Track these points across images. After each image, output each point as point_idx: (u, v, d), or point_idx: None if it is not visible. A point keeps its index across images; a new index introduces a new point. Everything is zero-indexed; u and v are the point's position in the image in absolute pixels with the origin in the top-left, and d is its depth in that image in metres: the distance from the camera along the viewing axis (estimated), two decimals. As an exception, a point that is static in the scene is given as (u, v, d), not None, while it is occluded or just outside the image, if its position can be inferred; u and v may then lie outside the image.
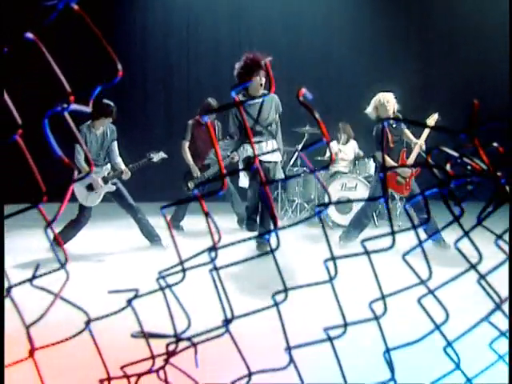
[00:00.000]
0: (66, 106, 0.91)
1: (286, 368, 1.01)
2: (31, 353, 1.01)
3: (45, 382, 1.02)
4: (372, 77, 9.22)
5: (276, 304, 0.99)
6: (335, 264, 0.98)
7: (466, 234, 0.94)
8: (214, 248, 0.97)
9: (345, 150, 8.19)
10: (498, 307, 0.96)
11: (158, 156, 5.92)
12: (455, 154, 0.97)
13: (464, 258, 0.95)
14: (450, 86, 9.59)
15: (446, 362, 0.97)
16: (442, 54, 9.92)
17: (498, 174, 0.95)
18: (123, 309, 1.02)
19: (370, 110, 5.47)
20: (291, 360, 1.02)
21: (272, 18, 9.72)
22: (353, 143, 8.24)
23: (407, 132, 5.73)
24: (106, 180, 5.58)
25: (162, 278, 0.99)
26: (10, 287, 1.01)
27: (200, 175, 6.63)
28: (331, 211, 7.62)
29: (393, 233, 0.93)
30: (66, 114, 0.93)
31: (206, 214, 0.98)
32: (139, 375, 1.01)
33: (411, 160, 5.70)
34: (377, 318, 0.97)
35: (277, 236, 0.99)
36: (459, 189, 0.96)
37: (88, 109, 0.96)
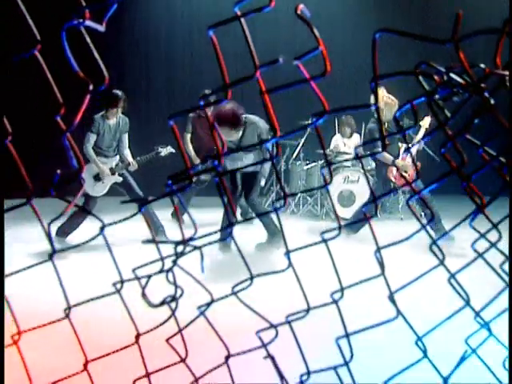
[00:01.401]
0: (81, 20, 1.00)
1: (286, 270, 1.09)
2: (51, 256, 1.09)
3: (62, 282, 1.10)
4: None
5: (276, 209, 1.07)
6: (330, 179, 1.06)
7: (453, 138, 1.01)
8: (217, 155, 1.05)
9: (348, 143, 8.26)
10: (479, 210, 1.03)
11: (165, 150, 6.00)
12: (442, 69, 1.05)
13: (449, 164, 1.03)
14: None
15: (433, 260, 1.05)
16: (445, 50, 9.98)
17: (482, 85, 1.02)
18: (134, 214, 1.09)
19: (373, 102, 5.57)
20: (290, 264, 1.10)
21: (275, 15, 9.81)
22: (356, 137, 8.31)
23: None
24: (113, 171, 5.67)
25: (169, 185, 1.07)
26: (29, 199, 1.09)
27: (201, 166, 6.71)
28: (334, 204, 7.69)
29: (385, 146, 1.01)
30: (83, 29, 1.01)
31: (212, 127, 1.06)
32: (149, 276, 1.09)
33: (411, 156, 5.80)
34: (368, 220, 1.05)
35: (275, 149, 1.07)
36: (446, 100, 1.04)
37: (102, 27, 1.04)
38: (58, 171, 1.07)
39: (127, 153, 5.79)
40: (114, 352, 1.16)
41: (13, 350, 1.16)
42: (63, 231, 5.57)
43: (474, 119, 1.03)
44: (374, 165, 7.85)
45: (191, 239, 1.08)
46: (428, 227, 5.30)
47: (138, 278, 1.11)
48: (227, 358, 1.15)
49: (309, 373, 1.11)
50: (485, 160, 1.06)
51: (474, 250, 1.06)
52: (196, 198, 7.20)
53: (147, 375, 1.16)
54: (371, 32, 1.02)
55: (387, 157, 5.80)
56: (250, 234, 5.63)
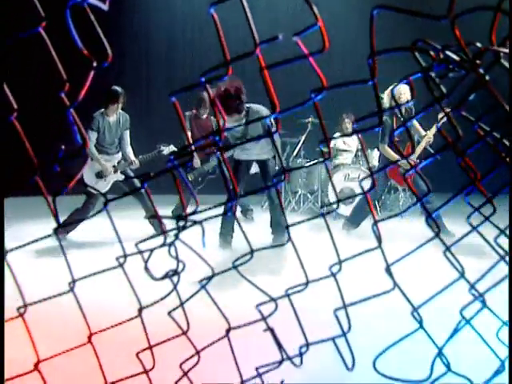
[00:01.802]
0: (86, -3, 1.02)
1: (286, 244, 1.12)
2: (57, 228, 1.12)
3: (67, 255, 1.12)
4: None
5: (275, 184, 1.10)
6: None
7: (447, 114, 1.04)
8: (219, 130, 1.07)
9: (348, 141, 8.28)
10: (473, 183, 1.06)
11: (168, 149, 5.99)
12: (438, 46, 1.07)
13: (445, 139, 1.05)
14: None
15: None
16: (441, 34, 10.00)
17: (478, 62, 1.05)
18: (138, 189, 1.12)
19: (384, 98, 5.60)
20: (289, 238, 1.13)
21: (276, 10, 9.83)
22: (356, 136, 8.33)
23: (416, 125, 5.86)
24: (115, 169, 5.68)
25: (171, 160, 1.10)
26: (35, 174, 1.11)
27: (199, 167, 6.73)
28: (334, 202, 7.72)
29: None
30: (86, 6, 1.04)
31: (213, 101, 1.08)
32: (152, 250, 1.11)
33: (417, 152, 5.81)
34: (365, 192, 1.07)
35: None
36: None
37: (105, 6, 1.07)
38: (63, 147, 1.10)
39: (129, 150, 5.80)
40: (117, 325, 1.19)
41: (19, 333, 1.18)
42: (64, 229, 5.59)
43: (469, 95, 1.05)
44: (374, 162, 7.88)
45: (193, 213, 1.10)
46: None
47: (140, 252, 1.13)
48: (228, 331, 1.17)
49: (308, 344, 1.13)
50: (479, 136, 1.08)
51: (468, 223, 1.08)
52: (198, 195, 7.23)
53: (150, 348, 1.19)
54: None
55: (388, 150, 5.79)
56: (251, 231, 5.65)
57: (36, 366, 1.18)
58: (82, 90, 1.06)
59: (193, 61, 10.13)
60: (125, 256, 1.15)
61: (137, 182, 5.74)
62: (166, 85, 10.13)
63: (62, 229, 5.58)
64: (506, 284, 1.12)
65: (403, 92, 5.52)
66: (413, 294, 1.09)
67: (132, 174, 5.79)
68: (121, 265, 1.15)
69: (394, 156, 5.72)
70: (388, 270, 1.08)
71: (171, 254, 1.12)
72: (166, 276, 1.13)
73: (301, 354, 1.14)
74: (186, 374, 1.19)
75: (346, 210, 7.47)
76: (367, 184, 6.85)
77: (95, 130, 5.53)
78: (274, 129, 5.16)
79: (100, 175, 5.67)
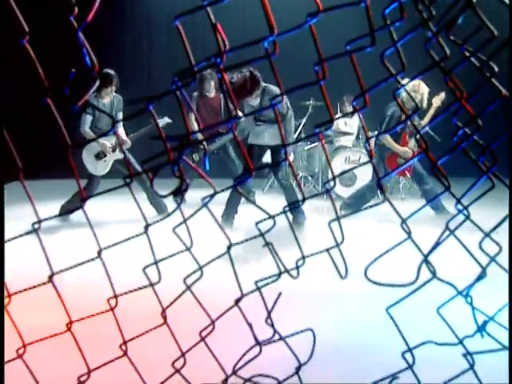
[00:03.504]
0: None
1: (284, 163, 1.18)
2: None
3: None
4: (378, 49, 9.29)
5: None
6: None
7: (435, 34, 1.10)
8: (220, 51, 1.14)
9: (350, 123, 8.33)
10: (459, 101, 1.12)
11: (162, 121, 5.99)
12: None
13: (432, 59, 1.12)
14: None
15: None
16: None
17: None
18: (138, 113, 1.19)
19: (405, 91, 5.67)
20: (286, 158, 1.19)
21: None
22: (357, 117, 8.38)
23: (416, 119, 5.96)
24: (114, 148, 5.76)
25: (175, 82, 1.16)
26: (46, 96, 1.18)
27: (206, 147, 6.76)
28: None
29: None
30: None
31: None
32: (156, 169, 1.18)
33: (426, 121, 5.93)
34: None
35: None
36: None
37: None
38: (73, 70, 1.17)
39: (121, 131, 5.90)
40: (124, 240, 1.26)
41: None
42: (66, 210, 5.67)
43: (457, 18, 1.11)
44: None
45: (195, 133, 1.17)
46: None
47: (145, 172, 1.20)
48: (229, 247, 1.25)
49: (304, 257, 1.21)
50: (465, 57, 1.15)
51: (455, 141, 1.15)
52: (201, 180, 7.25)
53: (155, 263, 1.26)
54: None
55: (391, 142, 5.87)
56: (252, 212, 5.71)
57: (50, 277, 1.26)
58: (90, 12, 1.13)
59: (195, 46, 10.13)
60: (130, 176, 1.22)
61: (136, 164, 5.78)
62: (167, 64, 10.17)
63: (64, 211, 5.66)
64: (487, 199, 1.19)
65: (418, 91, 5.64)
66: (402, 208, 1.15)
67: (130, 156, 5.83)
68: (127, 184, 1.22)
69: (397, 147, 5.83)
70: (379, 185, 1.14)
71: (175, 173, 1.18)
72: (171, 193, 1.20)
73: (297, 267, 1.21)
74: (188, 287, 1.26)
75: (347, 192, 7.54)
76: (366, 167, 6.83)
77: (90, 113, 5.62)
78: (286, 110, 5.10)
79: (99, 156, 5.75)
